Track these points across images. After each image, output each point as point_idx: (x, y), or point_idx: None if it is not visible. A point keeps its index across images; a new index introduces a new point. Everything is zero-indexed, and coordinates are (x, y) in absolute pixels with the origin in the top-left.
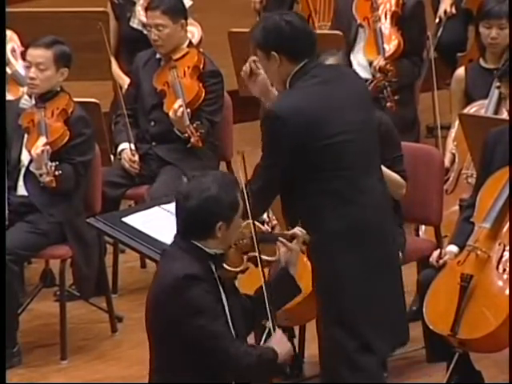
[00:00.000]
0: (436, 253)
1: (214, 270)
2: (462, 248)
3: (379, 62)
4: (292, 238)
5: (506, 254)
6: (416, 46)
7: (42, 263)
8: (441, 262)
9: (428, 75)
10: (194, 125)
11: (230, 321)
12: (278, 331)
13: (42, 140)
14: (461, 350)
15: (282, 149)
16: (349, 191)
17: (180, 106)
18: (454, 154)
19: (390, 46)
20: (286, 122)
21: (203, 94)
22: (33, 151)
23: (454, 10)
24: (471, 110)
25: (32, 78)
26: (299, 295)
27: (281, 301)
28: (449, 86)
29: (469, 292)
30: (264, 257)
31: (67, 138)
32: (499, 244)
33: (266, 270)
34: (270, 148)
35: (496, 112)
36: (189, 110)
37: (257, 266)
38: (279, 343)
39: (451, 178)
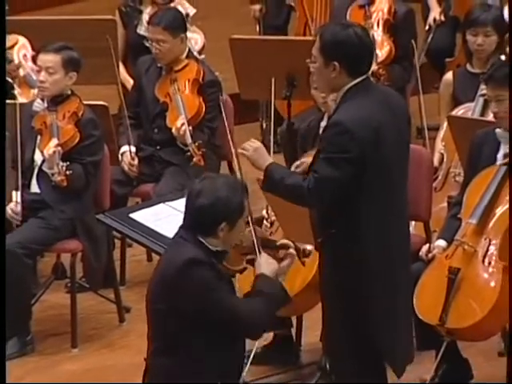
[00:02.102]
0: (425, 247)
1: (214, 262)
2: (449, 243)
3: (372, 67)
4: (287, 247)
5: (492, 249)
6: (406, 51)
7: (54, 257)
8: (430, 255)
9: (417, 80)
10: (196, 144)
11: None
12: (262, 254)
13: (54, 141)
14: (449, 338)
15: (351, 159)
16: (389, 209)
17: (182, 125)
18: (442, 154)
19: (382, 52)
20: (355, 135)
21: (203, 110)
22: (45, 152)
23: (442, 18)
24: (459, 112)
25: (42, 82)
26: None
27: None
28: (438, 90)
29: (456, 284)
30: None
31: (78, 140)
32: (485, 239)
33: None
34: (338, 158)
35: (482, 114)
36: (190, 127)
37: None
38: (265, 264)
39: (440, 177)
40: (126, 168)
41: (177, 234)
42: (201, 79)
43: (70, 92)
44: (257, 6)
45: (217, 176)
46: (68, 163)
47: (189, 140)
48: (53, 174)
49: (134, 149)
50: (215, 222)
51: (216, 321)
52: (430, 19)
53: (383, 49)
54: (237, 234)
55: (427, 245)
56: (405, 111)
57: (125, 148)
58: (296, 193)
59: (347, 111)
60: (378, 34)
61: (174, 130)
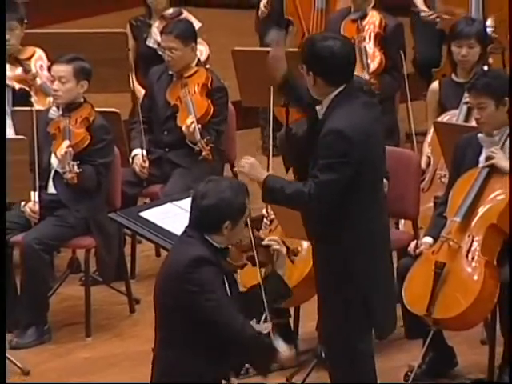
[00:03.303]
0: (413, 243)
1: (219, 260)
2: (436, 239)
3: (364, 76)
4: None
5: (475, 245)
6: (395, 62)
7: (69, 252)
8: (417, 251)
9: (405, 89)
10: (205, 139)
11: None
12: (279, 340)
13: (66, 143)
14: (435, 328)
15: (349, 163)
16: (377, 199)
17: (192, 123)
18: (429, 157)
19: (374, 63)
20: (352, 139)
21: (211, 111)
22: (58, 152)
23: None
24: (444, 118)
25: (55, 90)
26: (290, 293)
27: (271, 297)
28: (425, 98)
29: (442, 278)
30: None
31: (88, 142)
32: (468, 236)
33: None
34: (338, 163)
35: (466, 120)
36: (199, 125)
37: (254, 264)
38: (281, 347)
39: (427, 178)
40: (137, 169)
41: (184, 232)
42: (209, 85)
43: (82, 100)
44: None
45: (220, 179)
46: (78, 162)
47: (198, 137)
48: (64, 173)
49: (145, 152)
50: (220, 220)
51: (208, 324)
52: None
53: (375, 60)
54: (239, 231)
55: (415, 241)
56: (379, 110)
57: (137, 151)
58: (298, 199)
59: (340, 119)
60: (369, 46)
61: (184, 128)
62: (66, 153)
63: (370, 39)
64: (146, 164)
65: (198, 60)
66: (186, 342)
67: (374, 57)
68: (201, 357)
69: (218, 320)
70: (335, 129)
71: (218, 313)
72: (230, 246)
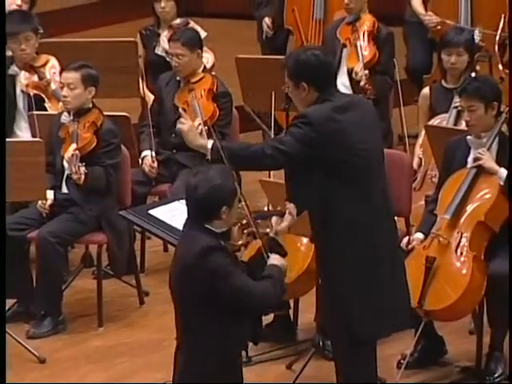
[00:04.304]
0: (406, 239)
1: (222, 244)
2: (426, 235)
3: (359, 67)
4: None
5: (463, 241)
6: (387, 67)
7: (83, 248)
8: (409, 246)
9: (397, 94)
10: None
11: None
12: (272, 255)
13: (73, 146)
14: (426, 319)
15: (306, 148)
16: (361, 194)
17: (199, 125)
18: (420, 158)
19: (366, 54)
20: (316, 127)
21: (217, 114)
22: (65, 155)
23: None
24: (435, 121)
25: (65, 96)
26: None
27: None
28: (417, 102)
29: (432, 271)
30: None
31: (94, 145)
32: (457, 232)
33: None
34: (298, 142)
35: (455, 124)
36: (206, 127)
37: (255, 238)
38: (275, 259)
39: (418, 178)
40: (146, 170)
41: (185, 225)
42: (215, 89)
43: (91, 105)
44: (267, 20)
45: (207, 168)
46: (84, 163)
47: (204, 138)
48: (71, 174)
49: (154, 153)
50: (216, 207)
51: (231, 302)
52: None
53: (367, 50)
54: (235, 212)
55: (407, 237)
56: (371, 111)
57: (146, 152)
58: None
59: (312, 107)
60: (363, 41)
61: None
62: (72, 155)
63: (363, 37)
64: (155, 164)
65: (204, 67)
66: (202, 331)
67: (366, 49)
68: (215, 344)
69: (240, 296)
70: (303, 112)
71: (240, 291)
72: (231, 228)
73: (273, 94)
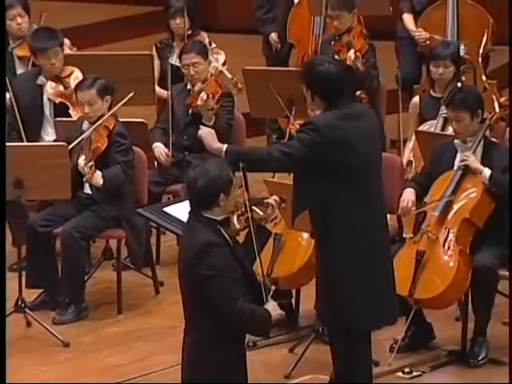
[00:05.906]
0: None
1: (222, 231)
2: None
3: (350, 53)
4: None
5: (451, 236)
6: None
7: (103, 242)
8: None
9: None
10: (218, 105)
11: (239, 265)
12: (271, 301)
13: (82, 157)
14: (416, 307)
15: (312, 152)
16: (361, 197)
17: (205, 94)
18: (410, 161)
19: (357, 42)
20: (322, 133)
21: (220, 91)
22: (79, 159)
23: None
24: (424, 127)
25: (86, 113)
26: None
27: (260, 243)
28: (408, 110)
29: (422, 264)
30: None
31: (106, 145)
32: (445, 228)
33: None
34: (304, 146)
35: (442, 129)
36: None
37: (252, 223)
38: (272, 308)
39: (410, 178)
40: (162, 159)
41: (189, 217)
42: (219, 92)
43: (105, 111)
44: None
45: (204, 161)
46: (93, 163)
47: (211, 103)
48: (84, 175)
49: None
50: (215, 196)
51: (214, 300)
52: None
53: (358, 41)
54: (232, 199)
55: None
56: (374, 121)
57: (157, 144)
58: (262, 158)
59: (320, 115)
60: (355, 37)
61: (199, 102)
62: (83, 166)
63: (354, 37)
64: (167, 150)
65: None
66: (202, 322)
67: (357, 40)
68: (214, 336)
69: (221, 302)
70: (310, 120)
71: (223, 296)
72: (229, 215)
73: (280, 100)
